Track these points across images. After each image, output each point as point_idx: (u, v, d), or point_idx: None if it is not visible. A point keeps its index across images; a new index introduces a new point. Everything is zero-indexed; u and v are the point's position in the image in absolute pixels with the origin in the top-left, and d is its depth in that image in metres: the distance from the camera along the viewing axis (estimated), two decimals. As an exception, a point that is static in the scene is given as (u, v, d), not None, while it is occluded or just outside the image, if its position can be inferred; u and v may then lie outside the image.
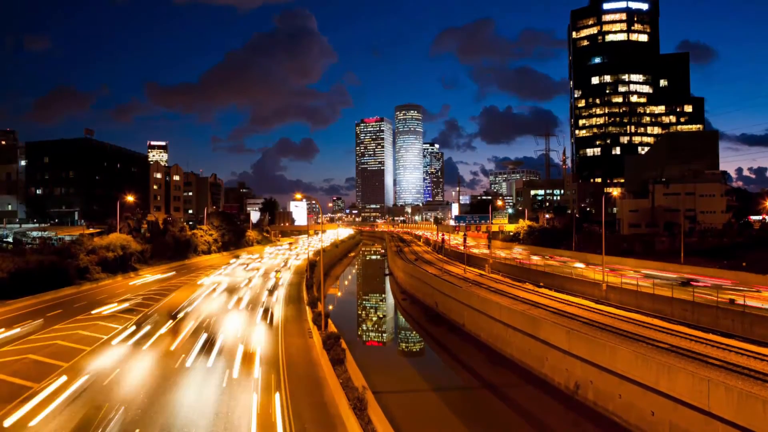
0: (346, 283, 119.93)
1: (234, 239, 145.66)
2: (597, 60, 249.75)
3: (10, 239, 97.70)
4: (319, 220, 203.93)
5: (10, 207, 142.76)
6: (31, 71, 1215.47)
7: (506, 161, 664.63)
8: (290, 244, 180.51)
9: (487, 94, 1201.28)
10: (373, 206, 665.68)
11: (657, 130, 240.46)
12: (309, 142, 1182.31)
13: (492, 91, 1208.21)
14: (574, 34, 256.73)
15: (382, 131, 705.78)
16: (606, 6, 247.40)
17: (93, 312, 49.47)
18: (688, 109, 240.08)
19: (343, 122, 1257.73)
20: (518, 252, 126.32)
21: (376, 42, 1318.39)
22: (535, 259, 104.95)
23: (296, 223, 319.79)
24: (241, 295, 61.97)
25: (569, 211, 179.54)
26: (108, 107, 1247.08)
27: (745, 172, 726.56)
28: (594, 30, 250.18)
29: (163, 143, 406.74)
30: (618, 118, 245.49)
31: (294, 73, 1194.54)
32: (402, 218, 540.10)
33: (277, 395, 27.78)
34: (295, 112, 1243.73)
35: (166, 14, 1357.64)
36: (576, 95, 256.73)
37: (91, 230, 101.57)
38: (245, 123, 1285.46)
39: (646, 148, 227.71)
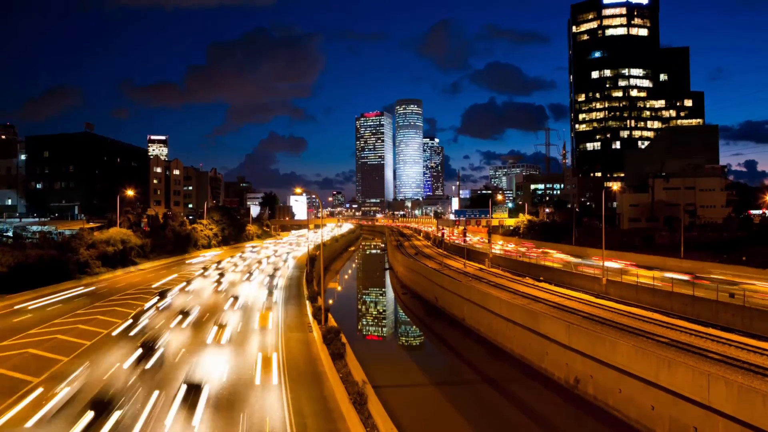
0: (346, 277, 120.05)
1: (234, 233, 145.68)
2: (597, 54, 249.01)
3: (10, 233, 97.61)
4: (319, 215, 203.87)
5: (10, 201, 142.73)
6: (22, 69, 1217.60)
7: (506, 155, 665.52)
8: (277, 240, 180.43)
9: (462, 90, 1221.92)
10: (373, 200, 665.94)
11: (657, 124, 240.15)
12: (296, 137, 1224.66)
13: (467, 86, 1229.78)
14: (574, 29, 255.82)
15: (382, 125, 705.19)
16: (606, 0, 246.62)
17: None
18: (688, 103, 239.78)
19: (328, 117, 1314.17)
20: (518, 246, 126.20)
21: (354, 40, 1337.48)
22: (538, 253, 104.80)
23: (296, 218, 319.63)
24: (241, 287, 61.94)
25: (569, 206, 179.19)
26: (101, 102, 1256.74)
27: (735, 166, 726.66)
28: (594, 24, 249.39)
29: (163, 137, 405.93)
30: (618, 113, 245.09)
31: (278, 71, 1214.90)
32: (402, 212, 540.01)
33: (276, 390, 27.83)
34: (280, 107, 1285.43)
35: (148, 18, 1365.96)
36: (576, 89, 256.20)
37: (91, 224, 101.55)
38: (232, 119, 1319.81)
39: (646, 143, 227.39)
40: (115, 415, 22.62)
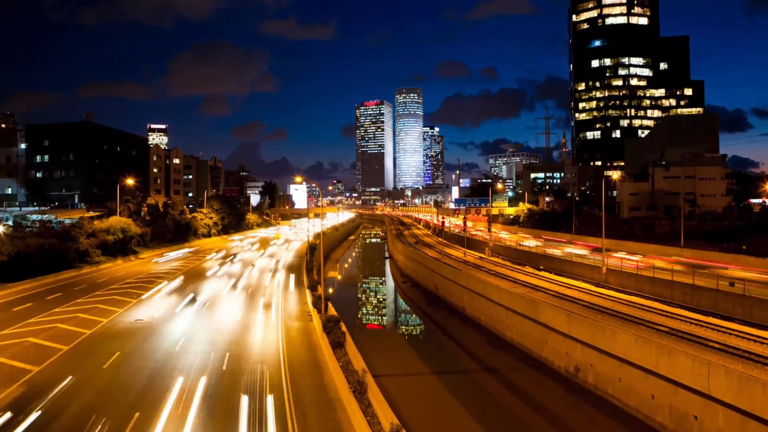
0: (346, 266, 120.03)
1: (234, 222, 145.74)
2: (597, 43, 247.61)
3: (10, 222, 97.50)
4: (320, 203, 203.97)
5: (10, 190, 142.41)
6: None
7: (506, 144, 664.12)
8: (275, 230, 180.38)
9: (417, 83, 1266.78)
10: (373, 189, 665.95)
11: (657, 113, 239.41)
12: (283, 129, 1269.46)
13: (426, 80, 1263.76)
14: (573, 17, 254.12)
15: (382, 114, 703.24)
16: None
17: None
18: (688, 92, 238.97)
19: (315, 109, 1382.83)
20: (519, 235, 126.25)
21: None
22: (535, 243, 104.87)
23: (296, 206, 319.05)
24: (240, 277, 62.02)
25: (569, 195, 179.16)
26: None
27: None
28: (594, 13, 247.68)
29: (163, 126, 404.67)
30: (618, 102, 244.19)
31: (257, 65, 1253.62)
32: (402, 201, 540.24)
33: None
34: (264, 99, 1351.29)
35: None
36: (576, 78, 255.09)
37: (91, 213, 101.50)
38: (218, 111, 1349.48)
39: (646, 132, 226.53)
40: None
